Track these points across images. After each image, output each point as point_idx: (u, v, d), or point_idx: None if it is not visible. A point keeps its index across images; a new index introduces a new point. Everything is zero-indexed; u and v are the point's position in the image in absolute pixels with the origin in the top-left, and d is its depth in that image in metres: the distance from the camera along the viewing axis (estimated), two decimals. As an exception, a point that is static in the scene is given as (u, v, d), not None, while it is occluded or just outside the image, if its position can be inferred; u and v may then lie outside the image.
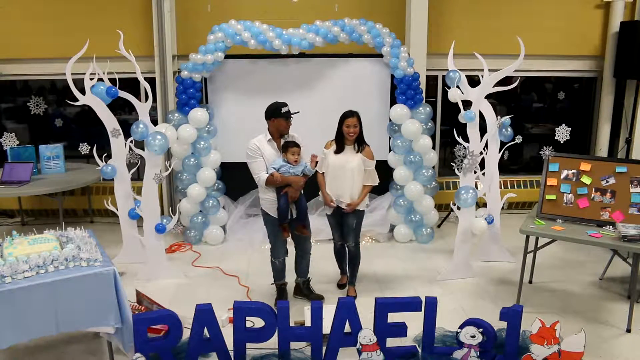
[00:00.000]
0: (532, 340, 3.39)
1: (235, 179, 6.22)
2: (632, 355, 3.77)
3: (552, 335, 3.35)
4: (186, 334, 3.46)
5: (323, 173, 4.48)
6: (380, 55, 5.86)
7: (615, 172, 4.35)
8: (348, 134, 4.36)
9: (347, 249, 4.61)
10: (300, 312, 4.11)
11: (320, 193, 4.53)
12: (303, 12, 6.27)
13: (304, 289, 4.61)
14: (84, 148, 6.75)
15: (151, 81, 5.84)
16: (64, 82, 5.03)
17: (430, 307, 3.51)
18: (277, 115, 4.20)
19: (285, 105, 4.24)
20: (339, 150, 4.41)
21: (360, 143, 4.42)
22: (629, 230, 3.92)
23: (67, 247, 3.38)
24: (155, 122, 5.94)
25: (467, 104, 4.95)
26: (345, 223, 4.48)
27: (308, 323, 3.68)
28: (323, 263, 5.05)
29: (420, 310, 3.53)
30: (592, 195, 4.40)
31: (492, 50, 5.87)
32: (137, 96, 5.28)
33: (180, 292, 4.74)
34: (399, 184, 5.90)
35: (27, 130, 6.83)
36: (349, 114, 4.40)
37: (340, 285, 4.82)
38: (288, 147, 4.23)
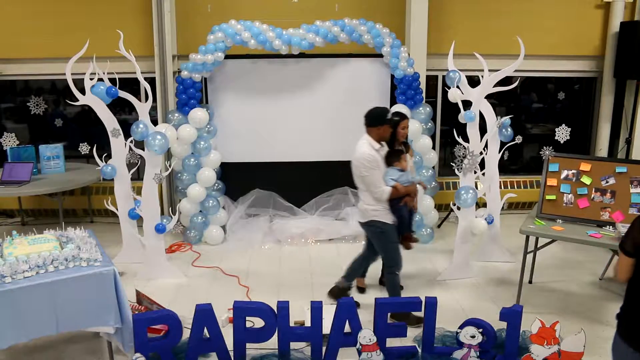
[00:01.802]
0: (532, 341, 3.39)
1: (235, 179, 6.23)
2: (632, 355, 3.76)
3: (552, 335, 3.35)
4: (186, 334, 3.46)
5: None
6: (380, 55, 5.86)
7: (615, 172, 4.35)
8: (403, 136, 4.26)
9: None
10: (300, 312, 4.11)
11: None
12: (303, 12, 6.27)
13: (343, 294, 4.31)
14: (84, 148, 6.75)
15: (151, 81, 5.85)
16: (64, 82, 5.03)
17: (430, 307, 3.51)
18: (384, 122, 3.96)
19: (388, 110, 4.06)
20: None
21: (405, 143, 4.35)
22: (629, 231, 3.92)
23: (67, 247, 3.38)
24: (155, 122, 5.94)
25: (467, 104, 4.95)
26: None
27: (308, 323, 3.68)
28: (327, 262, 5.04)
29: (420, 310, 3.53)
30: (592, 195, 4.40)
31: (492, 50, 5.87)
32: (137, 96, 5.28)
33: (180, 292, 4.74)
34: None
35: (27, 130, 6.83)
36: (404, 116, 4.30)
37: (362, 289, 4.73)
38: (401, 155, 4.07)
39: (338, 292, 4.33)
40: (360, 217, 4.15)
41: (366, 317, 3.66)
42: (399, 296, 4.15)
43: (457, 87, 4.95)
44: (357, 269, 4.41)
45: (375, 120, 3.97)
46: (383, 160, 4.01)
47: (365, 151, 3.90)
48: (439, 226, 6.39)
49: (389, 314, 3.56)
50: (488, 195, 5.22)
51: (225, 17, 5.77)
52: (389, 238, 4.04)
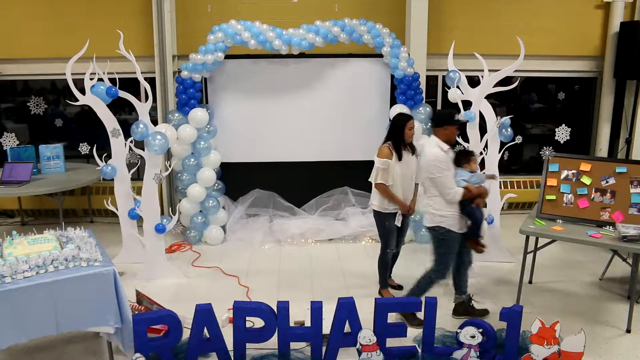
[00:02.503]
0: (532, 341, 3.38)
1: (235, 179, 6.23)
2: (632, 355, 3.77)
3: (552, 335, 3.35)
4: (186, 334, 3.46)
5: (389, 185, 4.22)
6: (380, 55, 5.86)
7: (615, 173, 4.35)
8: (410, 136, 4.23)
9: (397, 250, 4.56)
10: (300, 312, 4.11)
11: (395, 203, 4.26)
12: (303, 12, 6.27)
13: (469, 306, 4.24)
14: (84, 148, 6.75)
15: (151, 81, 5.85)
16: (64, 82, 5.04)
17: (430, 307, 3.51)
18: (451, 123, 3.92)
19: (455, 112, 4.03)
20: (400, 156, 4.21)
21: (411, 145, 4.32)
22: (629, 231, 3.92)
23: (67, 247, 3.38)
24: (155, 122, 5.94)
25: (467, 104, 4.95)
26: (406, 226, 4.49)
27: (308, 323, 3.68)
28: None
29: (420, 311, 3.54)
30: (592, 195, 4.40)
31: (492, 50, 5.88)
32: (137, 96, 5.28)
33: (180, 292, 4.74)
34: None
35: (27, 130, 6.83)
36: (410, 117, 4.27)
37: (398, 286, 4.74)
38: (470, 157, 4.04)
39: (463, 308, 4.23)
40: (427, 222, 4.09)
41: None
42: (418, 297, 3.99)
43: (457, 87, 4.95)
44: (461, 279, 4.26)
45: (442, 121, 3.93)
46: (452, 161, 3.97)
47: (436, 152, 3.87)
48: (439, 226, 6.38)
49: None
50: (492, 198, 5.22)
51: (225, 17, 5.77)
52: (447, 246, 3.98)
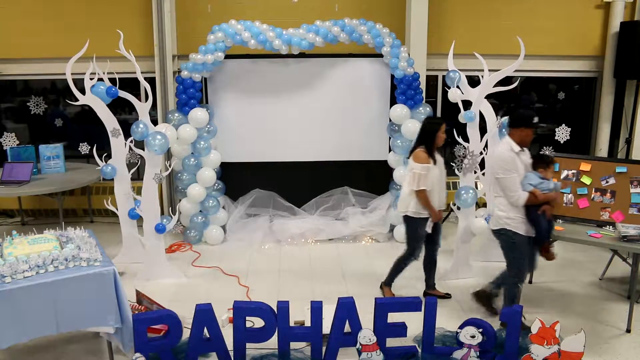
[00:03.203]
0: (532, 340, 3.38)
1: (235, 179, 6.23)
2: (632, 355, 3.77)
3: (552, 335, 3.35)
4: (186, 334, 3.46)
5: (424, 190, 4.15)
6: (380, 55, 5.86)
7: (615, 172, 4.35)
8: (443, 140, 4.20)
9: (434, 255, 4.52)
10: (300, 312, 4.11)
11: (428, 211, 4.22)
12: (303, 12, 6.27)
13: (491, 302, 4.24)
14: (84, 148, 6.71)
15: (151, 81, 5.85)
16: (64, 82, 5.04)
17: (430, 307, 3.51)
18: (528, 125, 3.79)
19: (534, 114, 3.89)
20: (435, 161, 4.20)
21: (439, 149, 4.29)
22: (629, 231, 3.93)
23: (67, 247, 3.38)
24: (155, 122, 5.94)
25: (467, 104, 4.95)
26: (439, 231, 4.45)
27: (308, 323, 3.68)
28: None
29: (420, 310, 3.53)
30: (592, 195, 4.40)
31: (492, 50, 5.87)
32: (137, 96, 5.28)
33: (180, 292, 4.74)
34: (399, 184, 5.90)
35: (27, 130, 6.84)
36: (442, 120, 4.24)
37: (446, 295, 4.63)
38: (547, 162, 3.90)
39: (485, 299, 4.22)
40: (492, 224, 3.99)
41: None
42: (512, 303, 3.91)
43: (457, 87, 4.95)
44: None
45: (519, 122, 3.82)
46: (525, 164, 3.84)
47: (503, 152, 3.79)
48: (439, 226, 6.38)
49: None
50: (488, 195, 5.22)
51: (225, 17, 5.77)
52: (519, 250, 3.86)
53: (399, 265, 4.50)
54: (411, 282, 4.70)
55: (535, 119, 3.84)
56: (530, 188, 3.76)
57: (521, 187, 3.78)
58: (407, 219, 4.34)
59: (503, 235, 3.90)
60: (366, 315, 3.60)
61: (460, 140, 4.88)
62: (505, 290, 4.03)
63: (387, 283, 4.59)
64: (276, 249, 5.75)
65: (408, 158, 4.40)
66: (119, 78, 4.87)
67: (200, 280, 5.01)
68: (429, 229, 4.30)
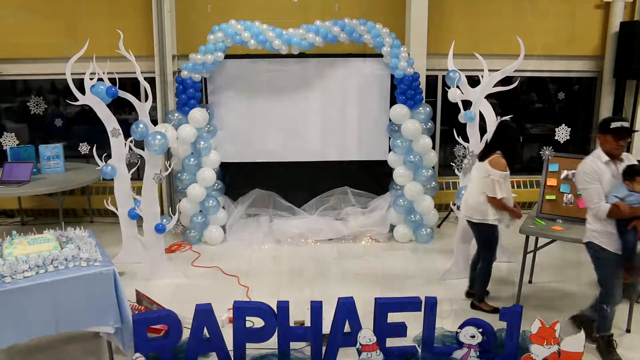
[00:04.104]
0: (532, 341, 3.39)
1: (235, 179, 6.23)
2: (632, 355, 3.77)
3: (552, 335, 3.35)
4: (186, 334, 3.46)
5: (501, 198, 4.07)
6: (380, 55, 5.86)
7: (615, 172, 4.34)
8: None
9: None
10: (300, 312, 4.11)
11: (506, 211, 4.17)
12: (303, 12, 6.27)
13: (591, 327, 3.89)
14: (84, 148, 6.74)
15: (151, 81, 5.85)
16: (64, 82, 5.03)
17: (430, 307, 3.51)
18: (605, 131, 3.50)
19: (620, 120, 3.55)
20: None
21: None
22: (629, 230, 3.91)
23: (67, 247, 3.38)
24: (155, 122, 5.94)
25: (467, 104, 4.95)
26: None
27: (308, 323, 3.68)
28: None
29: (420, 310, 3.53)
30: (592, 195, 4.39)
31: (492, 50, 5.87)
32: (137, 96, 5.28)
33: (180, 292, 4.74)
34: (399, 184, 5.90)
35: (27, 130, 6.83)
36: (518, 129, 4.16)
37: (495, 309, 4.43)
38: (635, 175, 3.51)
39: (584, 324, 3.95)
40: (584, 236, 3.76)
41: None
42: (609, 328, 3.73)
43: (457, 87, 4.95)
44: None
45: (600, 127, 3.57)
46: (614, 174, 3.56)
47: (586, 161, 3.57)
48: (438, 226, 6.38)
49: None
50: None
51: (225, 17, 5.77)
52: (605, 265, 3.63)
53: (486, 275, 4.37)
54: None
55: (615, 124, 3.46)
56: (614, 200, 3.48)
57: (605, 199, 3.52)
58: (485, 227, 4.22)
59: (591, 250, 3.69)
60: (366, 315, 3.60)
61: (460, 140, 4.88)
62: (598, 314, 3.79)
63: (480, 299, 4.42)
64: (276, 249, 5.75)
65: (481, 161, 4.21)
66: (118, 78, 4.86)
67: (200, 280, 5.01)
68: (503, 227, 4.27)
